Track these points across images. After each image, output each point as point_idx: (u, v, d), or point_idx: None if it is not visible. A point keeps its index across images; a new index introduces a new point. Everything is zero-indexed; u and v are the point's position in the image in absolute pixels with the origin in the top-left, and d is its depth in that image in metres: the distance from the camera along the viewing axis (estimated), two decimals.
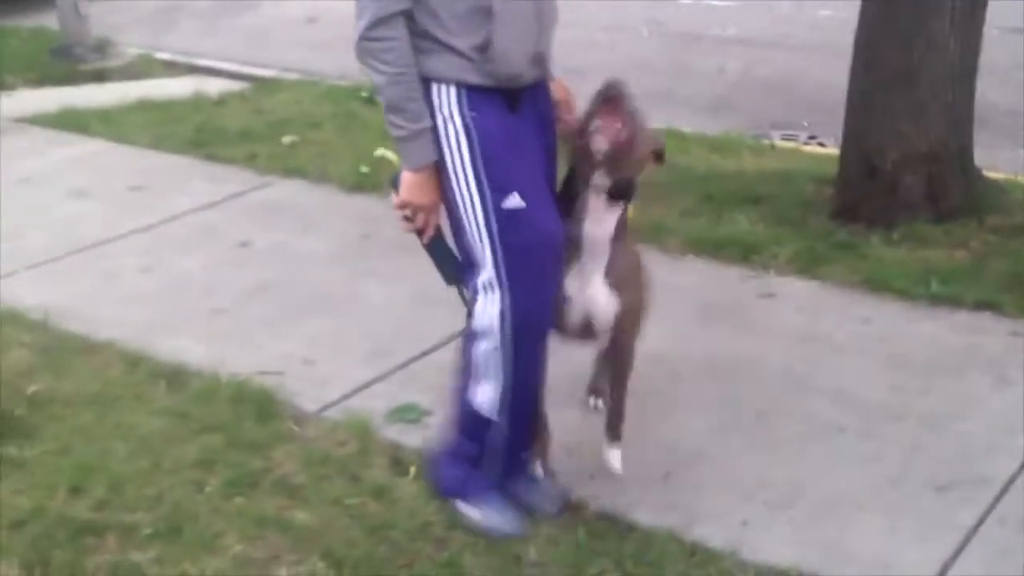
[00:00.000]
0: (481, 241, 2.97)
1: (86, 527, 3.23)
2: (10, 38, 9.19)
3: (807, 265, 4.83)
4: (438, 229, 3.06)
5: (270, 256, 5.09)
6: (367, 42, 2.89)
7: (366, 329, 4.41)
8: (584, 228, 3.07)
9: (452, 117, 2.94)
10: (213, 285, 4.80)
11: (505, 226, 2.94)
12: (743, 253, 4.94)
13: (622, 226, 3.12)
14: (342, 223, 5.45)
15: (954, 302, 4.52)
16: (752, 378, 4.03)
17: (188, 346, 4.26)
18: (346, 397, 3.92)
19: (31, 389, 3.94)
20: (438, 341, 4.24)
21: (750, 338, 4.31)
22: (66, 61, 8.50)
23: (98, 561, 3.10)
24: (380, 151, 5.98)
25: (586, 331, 3.21)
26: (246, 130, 6.76)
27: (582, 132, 3.02)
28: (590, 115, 3.01)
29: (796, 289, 4.68)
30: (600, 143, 2.97)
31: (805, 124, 7.17)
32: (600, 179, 3.02)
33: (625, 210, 3.11)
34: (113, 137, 6.71)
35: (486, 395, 3.13)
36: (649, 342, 4.13)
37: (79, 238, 5.24)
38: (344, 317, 4.52)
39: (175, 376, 4.05)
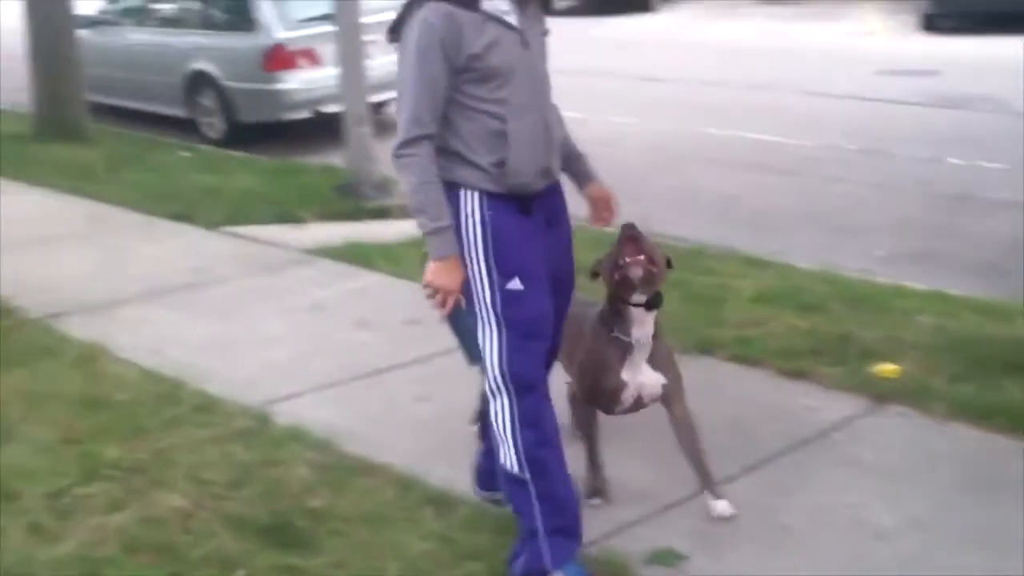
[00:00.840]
0: (487, 314, 3.62)
1: None
2: (302, 174, 9.82)
3: None
4: (458, 308, 3.62)
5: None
6: (398, 157, 3.57)
7: (630, 471, 4.51)
8: (633, 333, 3.97)
9: (473, 215, 3.61)
10: None
11: (507, 303, 3.59)
12: (1014, 423, 4.83)
13: (658, 325, 4.01)
14: None
15: None
16: None
17: (457, 475, 4.44)
18: (606, 536, 4.02)
19: (313, 504, 4.21)
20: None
21: (1021, 511, 4.21)
22: (350, 198, 9.02)
23: None
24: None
25: (637, 404, 4.14)
26: None
27: (616, 266, 3.88)
28: (619, 253, 3.87)
29: None
30: (636, 273, 3.85)
31: None
32: (638, 297, 3.92)
33: (658, 314, 3.99)
34: (393, 272, 7.05)
35: (508, 455, 3.66)
36: (911, 508, 4.11)
37: (360, 365, 5.56)
38: (609, 457, 4.63)
39: (443, 502, 4.25)
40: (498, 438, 3.67)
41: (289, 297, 6.66)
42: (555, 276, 3.78)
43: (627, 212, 8.46)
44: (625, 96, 13.56)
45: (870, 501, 4.27)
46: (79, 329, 6.02)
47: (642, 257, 3.84)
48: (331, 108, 10.50)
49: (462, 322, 3.66)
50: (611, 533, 4.05)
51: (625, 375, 4.02)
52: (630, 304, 3.94)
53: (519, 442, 3.63)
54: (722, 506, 4.13)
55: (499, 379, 3.62)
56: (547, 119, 3.70)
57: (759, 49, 17.22)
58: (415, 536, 4.02)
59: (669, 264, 4.02)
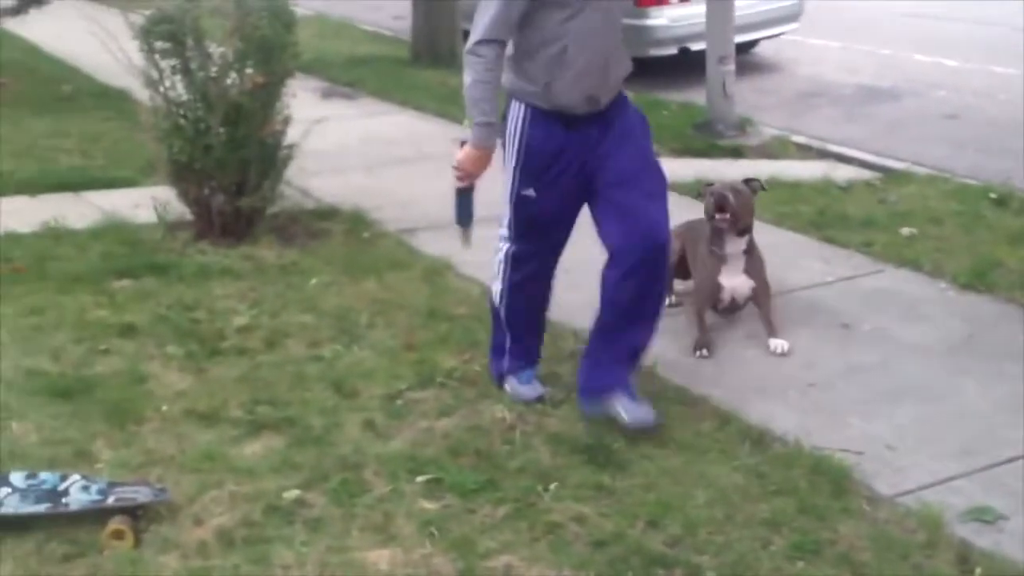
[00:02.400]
0: (508, 207, 4.35)
1: (658, 559, 3.51)
2: (661, 110, 9.82)
3: None
4: (471, 187, 4.34)
5: (870, 340, 5.16)
6: (470, 54, 4.08)
7: (955, 426, 4.37)
8: (727, 250, 5.21)
9: (517, 129, 4.22)
10: (811, 360, 4.94)
11: (520, 204, 4.30)
12: None
13: (751, 244, 5.26)
14: (949, 319, 5.40)
15: None
16: None
17: (778, 413, 4.45)
18: (923, 488, 3.93)
19: None
20: None
21: None
22: (707, 135, 9.00)
23: None
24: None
25: (733, 305, 5.32)
26: (867, 218, 6.84)
27: (710, 216, 5.18)
28: (708, 209, 5.19)
29: None
30: (721, 226, 5.18)
31: None
32: (725, 226, 5.17)
33: (751, 236, 5.27)
34: None
35: (495, 289, 4.54)
36: None
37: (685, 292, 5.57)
38: (934, 410, 4.50)
39: (760, 438, 4.25)
40: (494, 273, 4.54)
41: None
42: (628, 171, 4.23)
43: (994, 167, 8.12)
44: (1008, 45, 12.82)
45: None
46: (429, 244, 6.32)
47: (728, 215, 5.11)
48: (697, 46, 10.45)
49: (467, 199, 4.39)
50: (929, 485, 3.94)
51: (722, 280, 5.21)
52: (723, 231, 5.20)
53: (505, 291, 4.51)
54: (776, 343, 5.09)
55: (503, 254, 4.46)
56: (608, 54, 4.16)
57: None
58: (727, 468, 4.04)
59: (755, 191, 5.34)
